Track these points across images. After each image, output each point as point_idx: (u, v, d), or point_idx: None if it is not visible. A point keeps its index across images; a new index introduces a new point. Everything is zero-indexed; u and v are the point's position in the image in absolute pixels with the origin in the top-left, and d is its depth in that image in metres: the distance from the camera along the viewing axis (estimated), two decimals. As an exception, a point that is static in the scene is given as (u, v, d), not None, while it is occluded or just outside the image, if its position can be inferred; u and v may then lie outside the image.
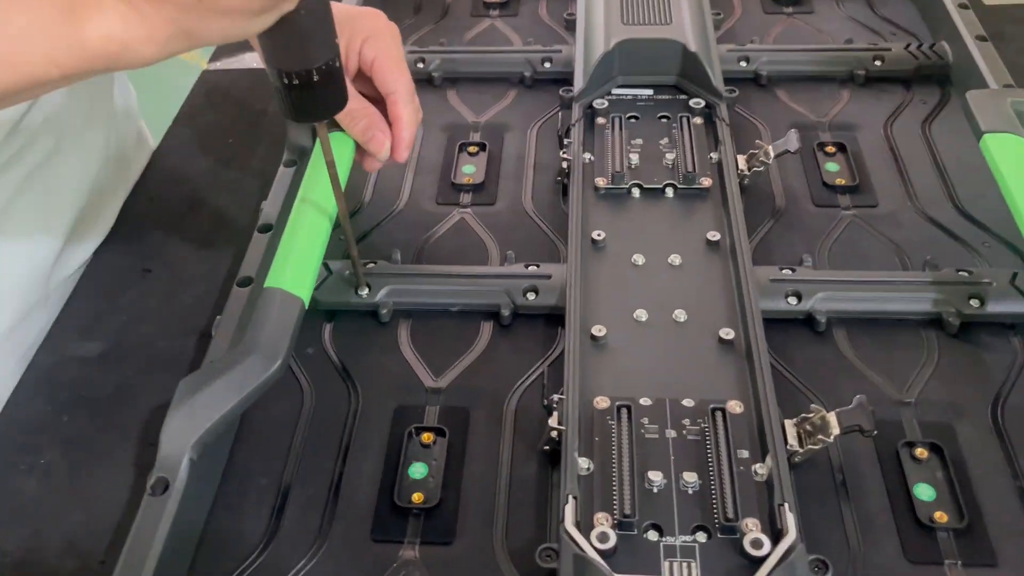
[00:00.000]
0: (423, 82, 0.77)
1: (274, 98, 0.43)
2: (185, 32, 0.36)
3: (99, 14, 0.35)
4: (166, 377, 0.56)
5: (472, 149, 0.71)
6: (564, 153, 0.66)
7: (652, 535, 0.44)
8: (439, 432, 0.51)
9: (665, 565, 0.43)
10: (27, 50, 0.36)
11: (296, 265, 0.52)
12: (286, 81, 0.41)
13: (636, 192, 0.64)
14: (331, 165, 0.49)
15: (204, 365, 0.51)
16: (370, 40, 0.55)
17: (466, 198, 0.67)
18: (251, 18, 0.37)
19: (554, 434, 0.49)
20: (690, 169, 0.64)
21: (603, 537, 0.44)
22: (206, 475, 0.48)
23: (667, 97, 0.71)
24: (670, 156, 0.66)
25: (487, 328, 0.58)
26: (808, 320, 0.56)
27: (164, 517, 0.44)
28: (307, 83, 0.41)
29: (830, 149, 0.69)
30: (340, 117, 0.54)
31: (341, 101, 0.44)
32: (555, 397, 0.49)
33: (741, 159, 0.65)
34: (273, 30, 0.38)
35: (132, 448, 0.53)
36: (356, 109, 0.55)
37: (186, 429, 0.46)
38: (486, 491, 0.49)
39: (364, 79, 0.56)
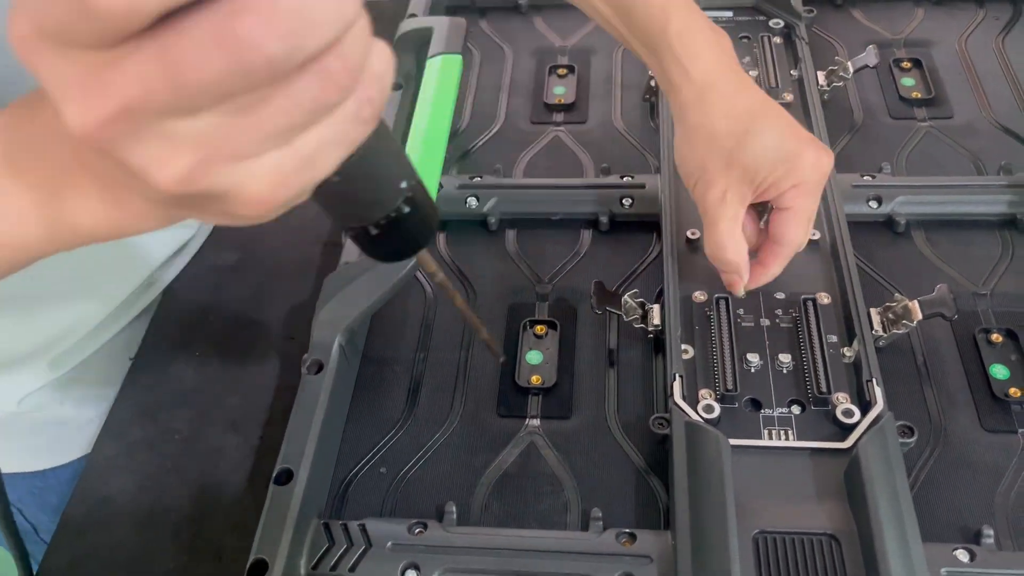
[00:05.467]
0: (509, 10, 0.81)
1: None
2: (176, 218, 0.28)
3: (80, 199, 0.28)
4: (295, 281, 0.63)
5: (561, 71, 0.75)
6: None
7: (751, 408, 0.50)
8: (551, 325, 0.57)
9: (764, 432, 0.49)
10: (24, 232, 0.30)
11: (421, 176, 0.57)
12: (353, 235, 0.31)
13: (721, 108, 0.68)
14: (433, 275, 0.38)
15: (341, 266, 0.57)
16: (797, 190, 0.49)
17: (559, 117, 0.72)
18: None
19: (656, 322, 0.54)
20: (772, 85, 0.68)
21: (708, 408, 0.49)
22: (350, 362, 0.55)
23: (747, 19, 0.74)
24: (753, 73, 0.70)
25: (587, 235, 0.63)
26: (888, 222, 0.61)
27: (321, 392, 0.51)
28: (382, 234, 0.30)
29: (906, 65, 0.72)
30: (713, 248, 0.51)
31: (425, 237, 0.32)
32: (625, 298, 0.54)
33: (820, 75, 0.69)
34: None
35: (273, 342, 0.60)
36: (728, 260, 0.51)
37: (337, 317, 0.52)
38: (597, 374, 0.55)
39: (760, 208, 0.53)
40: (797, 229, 0.50)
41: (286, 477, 0.47)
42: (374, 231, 0.30)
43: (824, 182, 0.51)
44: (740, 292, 0.53)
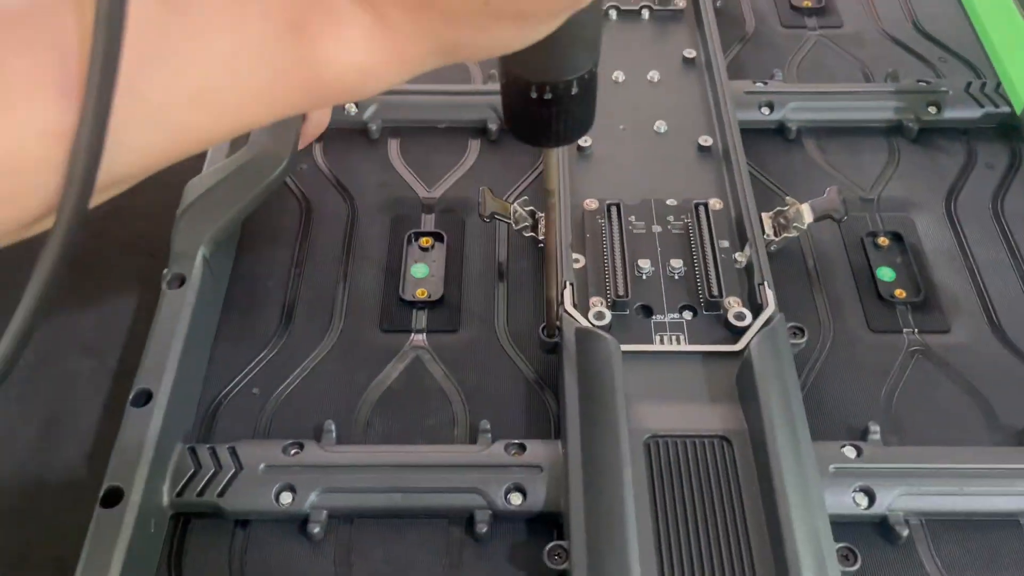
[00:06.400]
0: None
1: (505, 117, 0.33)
2: (444, 49, 0.26)
3: (336, 32, 0.25)
4: (151, 193, 0.57)
5: None
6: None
7: (643, 314, 0.48)
8: (437, 237, 0.54)
9: (656, 338, 0.47)
10: (232, 87, 0.25)
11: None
12: (534, 95, 0.30)
13: (613, 14, 0.66)
14: (549, 194, 0.40)
15: (206, 170, 0.52)
16: None
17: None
18: (545, 23, 0.26)
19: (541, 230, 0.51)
20: (665, -9, 0.66)
21: (599, 316, 0.47)
22: (216, 277, 0.50)
23: (639, -77, 0.72)
24: (646, -21, 0.67)
25: (475, 144, 0.59)
26: (780, 129, 0.60)
27: (183, 308, 0.46)
28: (562, 98, 0.31)
29: (797, -26, 0.71)
30: None
31: (592, 117, 0.33)
32: (515, 206, 0.51)
33: (713, -18, 0.67)
34: None
35: (132, 260, 0.55)
36: None
37: (199, 226, 0.48)
38: (486, 286, 0.52)
39: None
40: None
41: (144, 399, 0.43)
42: (576, 89, 0.31)
43: None
44: None
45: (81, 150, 0.23)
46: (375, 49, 0.25)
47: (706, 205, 0.52)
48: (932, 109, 0.59)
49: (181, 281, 0.47)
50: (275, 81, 0.25)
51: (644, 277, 0.50)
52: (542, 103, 0.31)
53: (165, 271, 0.48)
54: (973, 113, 0.59)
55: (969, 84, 0.59)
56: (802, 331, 0.47)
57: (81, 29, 0.24)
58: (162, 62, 0.24)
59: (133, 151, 0.25)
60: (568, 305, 0.47)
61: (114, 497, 0.40)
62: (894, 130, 0.60)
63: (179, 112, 0.25)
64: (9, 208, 0.24)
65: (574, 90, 0.31)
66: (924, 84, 0.60)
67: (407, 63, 0.26)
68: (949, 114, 0.59)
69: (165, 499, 0.42)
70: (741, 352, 0.46)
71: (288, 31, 0.25)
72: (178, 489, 0.42)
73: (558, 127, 0.32)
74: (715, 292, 0.48)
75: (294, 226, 0.55)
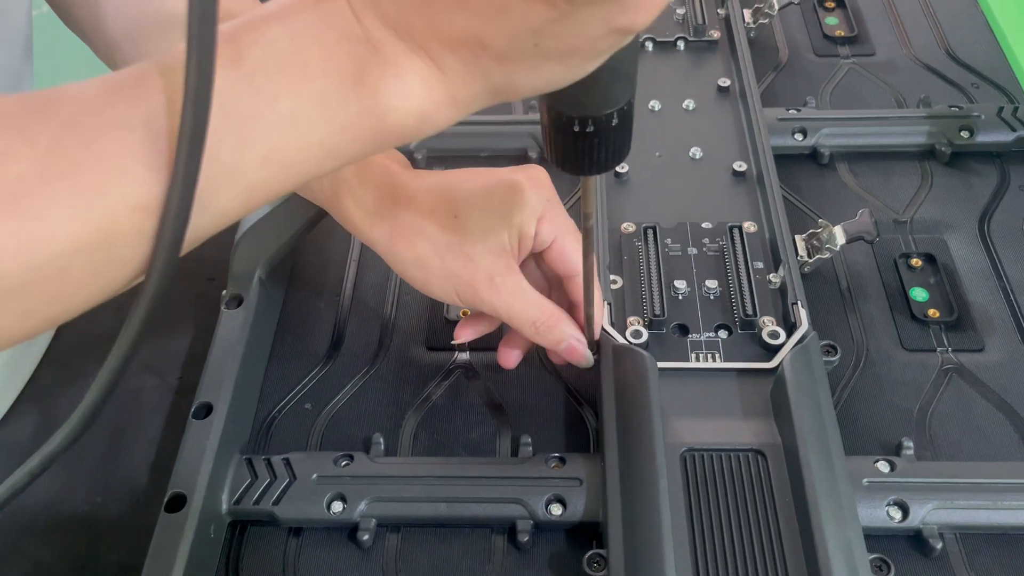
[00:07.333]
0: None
1: (544, 146, 0.35)
2: (495, 89, 0.28)
3: (396, 79, 0.27)
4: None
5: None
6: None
7: (679, 333, 0.50)
8: (479, 259, 0.56)
9: (692, 356, 0.49)
10: (298, 143, 0.27)
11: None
12: (577, 129, 0.32)
13: (649, 46, 0.68)
14: (587, 217, 0.40)
15: (261, 201, 0.55)
16: (548, 215, 0.44)
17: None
18: (589, 61, 0.28)
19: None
20: (700, 22, 0.68)
21: (636, 334, 0.49)
22: (272, 298, 0.53)
23: (674, -42, 0.74)
24: (680, 11, 0.69)
25: (515, 171, 0.62)
26: (813, 154, 0.61)
27: (241, 326, 0.49)
28: (603, 129, 0.32)
29: (829, 4, 0.73)
30: (521, 325, 0.44)
31: (629, 144, 0.35)
32: None
33: (747, 13, 0.69)
34: None
35: (192, 283, 0.58)
36: (539, 320, 0.44)
37: (256, 250, 0.51)
38: (526, 306, 0.54)
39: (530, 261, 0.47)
40: (574, 249, 0.44)
41: (205, 411, 0.46)
42: (616, 120, 0.32)
43: (553, 190, 0.45)
44: (589, 357, 0.46)
45: (170, 220, 0.25)
46: (431, 94, 0.27)
47: (740, 228, 0.54)
48: (964, 133, 0.60)
49: (239, 302, 0.50)
50: (339, 133, 0.27)
51: (680, 297, 0.51)
52: (584, 136, 0.32)
53: (224, 292, 0.51)
54: (1006, 137, 0.60)
55: (1001, 109, 0.61)
56: (835, 349, 0.48)
57: (169, 106, 0.25)
58: (234, 126, 0.26)
59: (208, 213, 0.27)
60: (606, 323, 0.49)
61: (178, 503, 0.42)
62: (927, 154, 0.61)
63: (250, 172, 0.27)
64: (105, 277, 0.26)
65: (614, 121, 0.32)
66: (956, 109, 0.61)
67: (460, 104, 0.28)
68: (981, 138, 0.60)
69: (224, 506, 0.44)
70: (775, 369, 0.47)
71: (350, 85, 0.26)
72: (236, 497, 0.44)
73: (600, 156, 0.34)
74: (749, 311, 0.50)
75: (345, 250, 0.58)
